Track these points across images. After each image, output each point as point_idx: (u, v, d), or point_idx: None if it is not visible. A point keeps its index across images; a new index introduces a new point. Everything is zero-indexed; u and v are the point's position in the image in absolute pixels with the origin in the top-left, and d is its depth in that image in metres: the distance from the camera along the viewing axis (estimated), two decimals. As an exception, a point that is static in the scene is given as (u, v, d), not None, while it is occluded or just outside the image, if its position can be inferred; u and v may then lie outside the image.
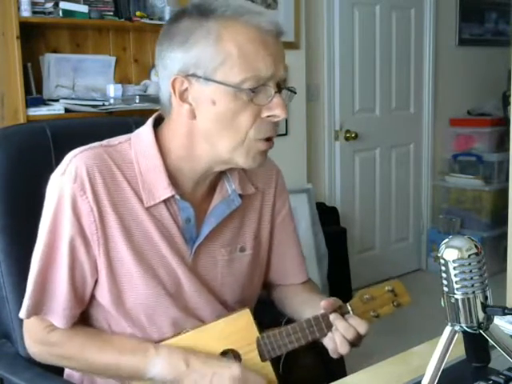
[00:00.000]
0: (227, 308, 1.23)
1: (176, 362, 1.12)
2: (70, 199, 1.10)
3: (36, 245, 1.14)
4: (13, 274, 1.29)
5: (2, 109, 2.60)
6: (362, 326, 1.13)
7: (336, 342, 1.13)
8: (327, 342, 1.16)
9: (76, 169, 1.11)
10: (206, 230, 1.17)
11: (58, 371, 1.26)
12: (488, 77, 4.43)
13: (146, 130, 1.17)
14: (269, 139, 1.10)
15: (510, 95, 3.95)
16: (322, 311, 1.17)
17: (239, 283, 1.25)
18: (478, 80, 4.48)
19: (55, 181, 1.13)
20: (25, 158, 1.34)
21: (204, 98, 1.07)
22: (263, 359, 1.17)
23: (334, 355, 1.16)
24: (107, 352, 1.14)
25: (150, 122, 1.18)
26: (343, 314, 1.16)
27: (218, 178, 1.20)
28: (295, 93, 1.14)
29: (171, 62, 1.08)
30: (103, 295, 1.15)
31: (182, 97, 1.08)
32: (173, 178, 1.14)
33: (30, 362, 1.24)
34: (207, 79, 1.05)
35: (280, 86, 1.09)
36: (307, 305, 1.25)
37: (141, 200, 1.13)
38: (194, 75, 1.06)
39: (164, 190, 1.13)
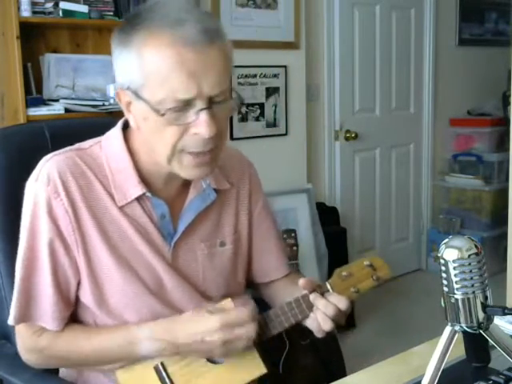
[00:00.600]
0: (211, 303, 1.22)
1: (160, 326, 1.13)
2: (45, 203, 1.12)
3: (18, 252, 1.16)
4: (12, 274, 1.28)
5: (2, 109, 2.60)
6: (341, 302, 1.14)
7: (318, 320, 1.14)
8: (310, 322, 1.17)
9: (48, 173, 1.13)
10: (182, 225, 1.19)
11: (57, 372, 1.26)
12: (488, 77, 4.43)
13: (115, 133, 1.19)
14: (200, 153, 1.08)
15: (510, 95, 3.95)
16: (302, 293, 1.17)
17: (223, 278, 1.26)
18: (478, 80, 4.48)
19: (30, 187, 1.15)
20: (24, 158, 1.34)
21: (139, 113, 1.08)
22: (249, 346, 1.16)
23: (318, 334, 1.16)
24: (95, 339, 1.15)
25: (119, 125, 1.20)
26: (323, 292, 1.17)
27: None
28: (242, 100, 1.12)
29: (116, 73, 1.10)
30: (86, 296, 1.16)
31: (128, 108, 1.10)
32: (143, 177, 1.16)
33: (31, 364, 1.24)
34: (137, 96, 1.06)
35: (212, 100, 1.04)
36: (290, 295, 1.25)
37: (114, 200, 1.15)
38: (129, 89, 1.07)
39: (135, 188, 1.15)
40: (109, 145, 1.19)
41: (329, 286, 1.18)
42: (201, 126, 1.04)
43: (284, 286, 1.34)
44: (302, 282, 1.17)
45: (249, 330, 1.11)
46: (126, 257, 1.15)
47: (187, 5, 1.08)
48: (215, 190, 1.23)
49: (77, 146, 1.20)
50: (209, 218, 1.24)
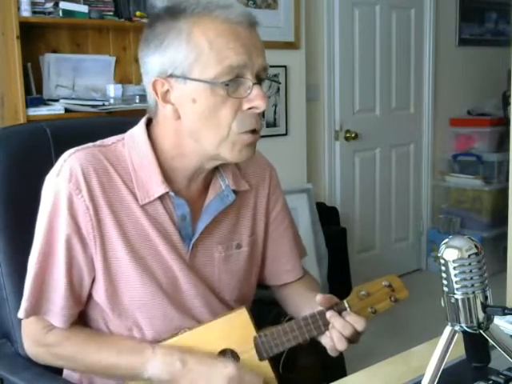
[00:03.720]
0: (225, 306, 1.23)
1: (172, 362, 1.11)
2: (66, 199, 1.11)
3: (33, 246, 1.14)
4: (13, 274, 1.29)
5: (1, 109, 2.60)
6: (359, 323, 1.13)
7: (333, 339, 1.13)
8: (325, 340, 1.16)
9: (71, 169, 1.12)
10: (201, 226, 1.18)
11: (57, 371, 1.26)
12: (488, 77, 4.43)
13: (139, 130, 1.18)
14: (254, 131, 1.11)
15: (510, 95, 3.95)
16: (319, 308, 1.16)
17: (236, 281, 1.25)
18: (478, 80, 4.48)
19: (50, 182, 1.14)
20: (25, 158, 1.34)
21: (185, 97, 1.08)
22: (261, 358, 1.16)
23: (332, 353, 1.16)
24: (104, 352, 1.15)
25: (142, 121, 1.20)
26: (340, 311, 1.15)
27: (211, 174, 1.21)
28: (279, 83, 1.15)
29: (150, 66, 1.11)
30: (100, 294, 1.16)
31: (165, 98, 1.10)
32: (167, 176, 1.15)
33: (30, 362, 1.24)
34: (185, 78, 1.07)
35: (260, 77, 1.09)
36: (304, 303, 1.25)
37: (136, 198, 1.14)
38: (172, 76, 1.08)
39: (158, 187, 1.14)
40: (132, 141, 1.18)
41: (346, 305, 1.16)
42: (256, 99, 1.07)
43: (297, 292, 1.33)
44: (319, 298, 1.16)
45: None
46: (143, 256, 1.15)
47: None
48: (234, 191, 1.22)
49: (99, 142, 1.19)
50: (227, 220, 1.23)
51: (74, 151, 1.15)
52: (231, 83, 1.06)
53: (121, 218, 1.13)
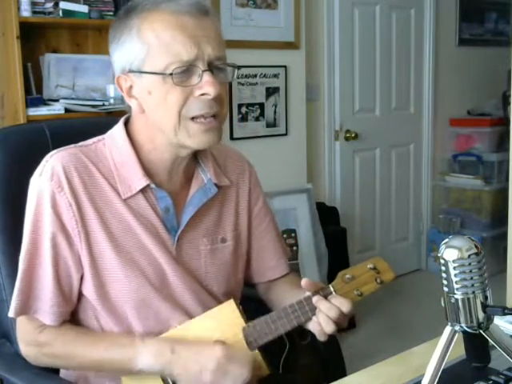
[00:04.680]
0: (214, 299, 1.24)
1: (163, 351, 1.13)
2: (49, 197, 1.13)
3: (21, 246, 1.16)
4: (12, 274, 1.29)
5: (1, 109, 2.60)
6: (345, 305, 1.14)
7: (321, 323, 1.14)
8: (312, 325, 1.17)
9: (52, 168, 1.15)
10: (186, 218, 1.21)
11: (56, 371, 1.26)
12: (488, 77, 4.43)
13: (118, 129, 1.22)
14: (207, 118, 1.12)
15: (510, 95, 3.95)
16: (305, 294, 1.17)
17: (223, 274, 1.27)
18: (478, 80, 4.48)
19: (34, 182, 1.17)
20: (24, 158, 1.34)
21: (143, 90, 1.13)
22: (251, 348, 1.17)
23: (321, 338, 1.16)
24: (96, 347, 1.16)
25: (121, 121, 1.23)
26: (326, 295, 1.16)
27: (192, 168, 1.24)
28: (237, 67, 1.17)
29: (115, 64, 1.16)
30: (88, 290, 1.17)
31: (130, 93, 1.15)
32: (147, 170, 1.18)
33: (29, 362, 1.24)
34: (140, 72, 1.12)
35: (213, 64, 1.11)
36: (288, 298, 1.25)
37: (118, 193, 1.17)
38: (130, 71, 1.13)
39: (139, 181, 1.17)
40: (112, 140, 1.21)
41: (332, 289, 1.18)
42: (205, 85, 1.10)
43: (282, 288, 1.34)
44: (304, 282, 1.17)
45: (244, 373, 1.12)
46: (128, 250, 1.16)
47: None
48: (216, 185, 1.24)
49: (80, 143, 1.22)
50: (210, 214, 1.26)
51: (56, 152, 1.18)
52: (182, 72, 1.09)
53: (104, 213, 1.16)
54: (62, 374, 1.27)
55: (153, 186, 1.17)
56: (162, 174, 1.20)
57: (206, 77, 1.09)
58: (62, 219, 1.14)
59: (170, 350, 1.13)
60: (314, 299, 1.16)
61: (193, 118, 1.11)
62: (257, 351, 1.17)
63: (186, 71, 1.09)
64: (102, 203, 1.16)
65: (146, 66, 1.10)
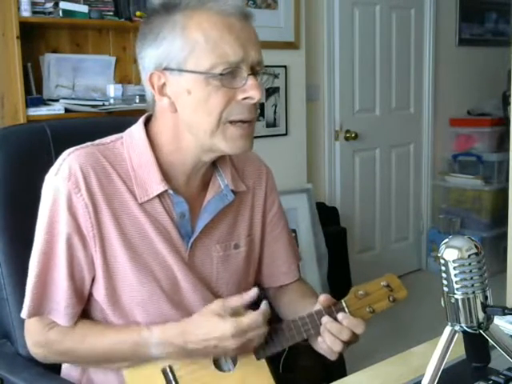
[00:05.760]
0: None
1: (174, 324, 1.13)
2: (65, 197, 1.11)
3: (34, 246, 1.14)
4: (13, 274, 1.29)
5: (2, 109, 2.60)
6: (358, 327, 1.13)
7: (327, 343, 1.13)
8: (319, 347, 1.16)
9: (69, 167, 1.12)
10: (201, 225, 1.19)
11: (57, 371, 1.26)
12: (488, 77, 4.43)
13: (137, 128, 1.19)
14: (245, 122, 1.11)
15: (510, 95, 3.95)
16: (316, 308, 1.16)
17: (234, 280, 1.25)
18: (478, 80, 4.48)
19: (49, 181, 1.14)
20: (25, 158, 1.34)
21: (180, 89, 1.10)
22: (258, 357, 1.16)
23: (331, 357, 1.15)
24: (105, 337, 1.15)
25: (141, 120, 1.21)
26: (338, 310, 1.15)
27: (210, 173, 1.22)
28: (275, 76, 1.15)
29: (147, 60, 1.13)
30: (99, 292, 1.16)
31: (162, 91, 1.12)
32: (165, 173, 1.16)
33: (30, 362, 1.24)
34: (180, 70, 1.08)
35: (254, 69, 1.10)
36: (300, 306, 1.26)
37: (134, 196, 1.15)
38: (167, 68, 1.10)
39: (157, 186, 1.15)
40: (131, 140, 1.18)
41: (344, 305, 1.17)
42: (250, 89, 1.08)
43: (292, 297, 1.33)
44: (322, 298, 1.17)
45: (260, 334, 1.12)
46: (142, 254, 1.15)
47: None
48: (233, 191, 1.22)
49: (98, 141, 1.19)
50: (225, 220, 1.24)
51: (73, 150, 1.15)
52: (226, 74, 1.07)
53: (119, 216, 1.14)
54: (64, 374, 1.27)
55: (170, 191, 1.15)
56: (179, 178, 1.18)
57: (251, 80, 1.08)
58: (77, 220, 1.12)
59: (180, 326, 1.13)
60: (324, 320, 1.14)
61: (231, 122, 1.09)
62: (263, 361, 1.17)
63: (231, 73, 1.07)
64: (118, 206, 1.14)
65: (188, 64, 1.07)
